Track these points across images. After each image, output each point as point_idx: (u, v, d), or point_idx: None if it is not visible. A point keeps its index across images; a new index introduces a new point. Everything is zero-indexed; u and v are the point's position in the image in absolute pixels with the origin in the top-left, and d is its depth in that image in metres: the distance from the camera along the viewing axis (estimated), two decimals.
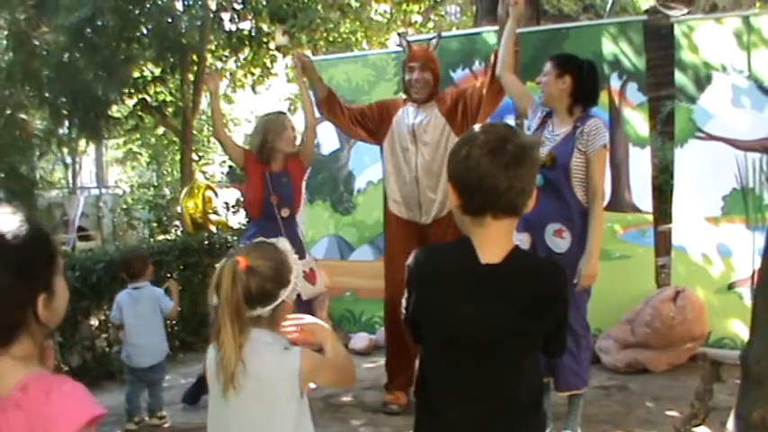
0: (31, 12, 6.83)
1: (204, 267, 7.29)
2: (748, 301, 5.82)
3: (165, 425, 5.17)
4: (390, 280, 5.29)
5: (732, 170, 6.04)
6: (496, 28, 7.15)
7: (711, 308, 6.01)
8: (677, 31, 6.29)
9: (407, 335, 2.37)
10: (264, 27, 13.94)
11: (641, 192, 6.35)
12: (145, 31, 9.46)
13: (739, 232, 6.01)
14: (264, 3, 13.50)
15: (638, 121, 6.39)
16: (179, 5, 11.70)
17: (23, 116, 6.87)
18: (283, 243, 2.46)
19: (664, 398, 5.34)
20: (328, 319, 6.99)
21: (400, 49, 6.71)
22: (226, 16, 13.82)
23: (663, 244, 6.65)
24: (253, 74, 15.90)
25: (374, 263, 6.88)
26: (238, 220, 10.47)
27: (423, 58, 5.14)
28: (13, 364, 1.61)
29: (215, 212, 10.05)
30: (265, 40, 14.07)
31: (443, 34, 6.12)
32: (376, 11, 15.38)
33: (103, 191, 19.12)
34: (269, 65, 15.34)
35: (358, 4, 14.52)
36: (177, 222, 11.35)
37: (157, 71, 13.25)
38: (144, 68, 12.96)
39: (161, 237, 10.46)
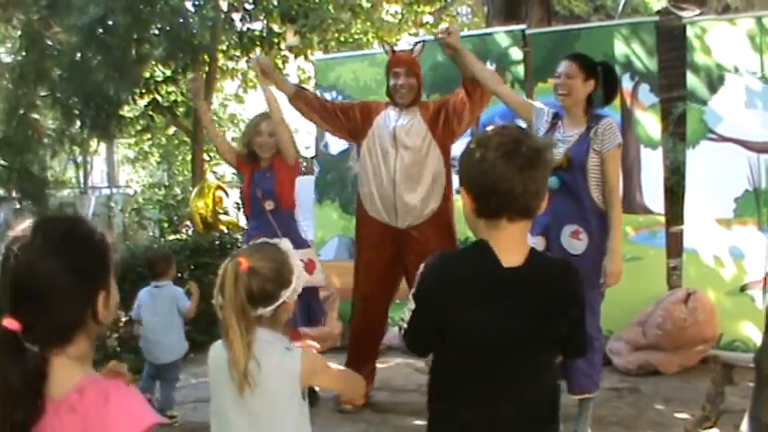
0: (44, 12, 6.85)
1: (215, 267, 7.22)
2: (760, 304, 5.81)
3: (176, 424, 5.18)
4: (361, 280, 5.36)
5: (744, 172, 6.01)
6: (507, 28, 7.16)
7: (723, 310, 5.99)
8: (689, 32, 6.26)
9: (413, 349, 2.35)
10: (276, 27, 13.94)
11: (653, 193, 6.33)
12: (156, 31, 9.47)
13: (751, 234, 5.98)
14: (276, 3, 13.50)
15: (649, 122, 6.37)
16: (189, 6, 11.73)
17: (36, 116, 6.89)
18: (285, 244, 2.49)
19: (675, 400, 5.32)
20: (338, 319, 6.99)
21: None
22: (237, 16, 13.83)
23: (674, 246, 6.63)
24: None
25: None
26: None
27: (408, 64, 5.15)
28: (70, 365, 1.62)
29: (225, 212, 10.05)
30: (276, 40, 14.07)
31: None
32: (387, 11, 15.38)
33: (114, 191, 19.18)
34: (280, 65, 15.34)
35: (369, 5, 14.53)
36: (188, 222, 11.36)
37: (168, 71, 13.27)
38: (155, 68, 12.98)
39: (172, 237, 10.48)
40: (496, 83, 4.87)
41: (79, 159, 16.22)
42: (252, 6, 13.77)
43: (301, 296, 5.30)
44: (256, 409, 2.34)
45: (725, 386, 4.48)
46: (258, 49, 14.35)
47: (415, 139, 5.07)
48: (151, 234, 13.63)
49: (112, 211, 15.10)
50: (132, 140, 19.12)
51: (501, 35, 7.03)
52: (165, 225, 13.01)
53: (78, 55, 7.48)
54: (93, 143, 15.46)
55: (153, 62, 11.71)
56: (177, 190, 14.78)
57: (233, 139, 16.52)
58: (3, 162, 6.64)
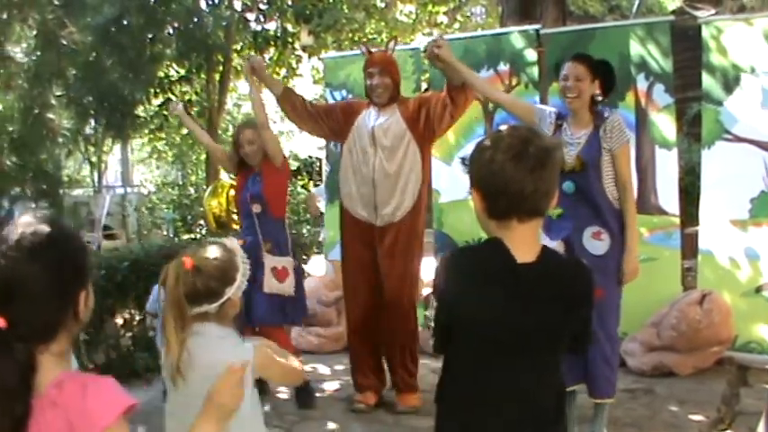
0: (59, 12, 6.88)
1: None
2: None
3: None
4: (347, 276, 5.50)
5: (760, 172, 5.97)
6: (522, 28, 7.14)
7: (738, 311, 5.96)
8: (705, 32, 6.23)
9: (434, 346, 2.37)
10: (290, 27, 13.95)
11: (668, 194, 6.31)
12: (171, 31, 9.49)
13: (767, 235, 5.94)
14: (290, 3, 13.51)
15: (664, 122, 6.34)
16: (204, 5, 11.74)
17: (51, 115, 6.92)
18: (231, 242, 2.60)
19: (689, 401, 5.31)
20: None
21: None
22: (251, 16, 13.84)
23: (689, 247, 6.61)
24: (278, 74, 15.89)
25: None
26: None
27: (381, 63, 5.24)
28: (52, 361, 1.68)
29: (239, 212, 10.06)
30: (291, 40, 14.08)
31: (470, 34, 6.13)
32: (401, 11, 15.37)
33: (129, 190, 19.21)
34: (294, 65, 15.36)
35: (383, 5, 14.52)
36: (201, 221, 11.38)
37: (183, 71, 13.30)
38: (170, 68, 13.01)
39: (185, 236, 10.50)
40: (492, 91, 4.90)
41: (94, 159, 16.25)
42: (266, 6, 13.78)
43: (273, 298, 5.44)
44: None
45: (740, 388, 4.45)
46: (272, 49, 14.37)
47: (392, 138, 5.16)
48: (165, 233, 13.68)
49: (126, 210, 15.16)
50: (147, 140, 19.18)
51: (515, 35, 7.01)
52: (179, 224, 13.06)
53: (93, 55, 7.50)
54: (108, 143, 15.48)
55: (167, 62, 11.73)
56: (191, 189, 14.83)
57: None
58: (18, 161, 6.67)
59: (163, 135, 17.40)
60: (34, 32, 7.00)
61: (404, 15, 15.44)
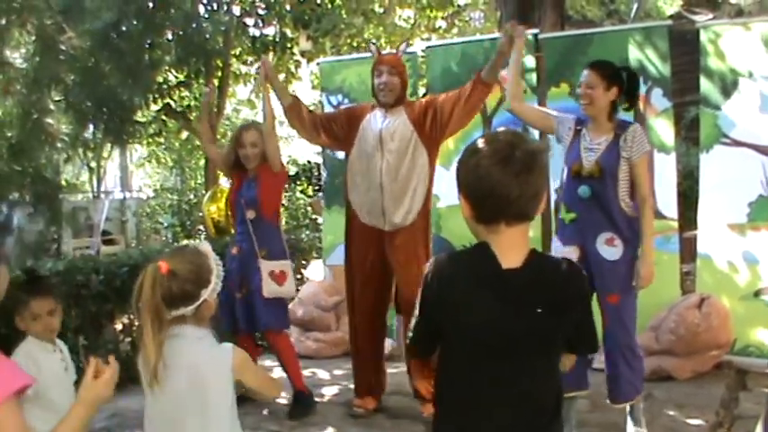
0: (58, 17, 6.87)
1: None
2: None
3: None
4: (350, 281, 5.44)
5: (758, 176, 5.98)
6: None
7: (737, 315, 5.96)
8: (703, 36, 6.24)
9: (414, 352, 2.39)
10: (288, 32, 13.96)
11: (666, 198, 6.31)
12: (169, 37, 9.49)
13: (765, 239, 5.95)
14: (288, 8, 13.52)
15: (662, 127, 6.35)
16: (202, 11, 11.75)
17: (49, 121, 6.91)
18: (204, 246, 2.66)
19: (688, 405, 5.31)
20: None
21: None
22: (250, 21, 13.85)
23: (688, 251, 6.61)
24: None
25: None
26: None
27: (390, 63, 5.22)
28: None
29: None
30: (289, 45, 14.09)
31: (468, 39, 6.14)
32: (400, 16, 15.37)
33: (128, 195, 19.23)
34: (293, 70, 15.36)
35: (382, 10, 14.52)
36: (201, 227, 11.38)
37: (181, 76, 13.31)
38: (168, 73, 13.02)
39: (185, 241, 10.50)
40: (516, 99, 4.86)
41: (93, 164, 16.25)
42: (265, 11, 13.80)
43: (275, 302, 5.43)
44: (189, 396, 2.50)
45: (739, 392, 4.45)
46: (271, 54, 14.38)
47: (399, 140, 5.11)
48: (164, 238, 13.68)
49: (125, 215, 15.17)
50: (145, 144, 19.20)
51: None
52: (178, 229, 13.06)
53: (92, 60, 7.50)
54: (107, 148, 15.49)
55: (166, 67, 11.74)
56: (190, 194, 14.83)
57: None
58: (16, 166, 6.66)
59: (161, 140, 17.41)
60: (33, 38, 7.00)
61: (402, 20, 15.44)
